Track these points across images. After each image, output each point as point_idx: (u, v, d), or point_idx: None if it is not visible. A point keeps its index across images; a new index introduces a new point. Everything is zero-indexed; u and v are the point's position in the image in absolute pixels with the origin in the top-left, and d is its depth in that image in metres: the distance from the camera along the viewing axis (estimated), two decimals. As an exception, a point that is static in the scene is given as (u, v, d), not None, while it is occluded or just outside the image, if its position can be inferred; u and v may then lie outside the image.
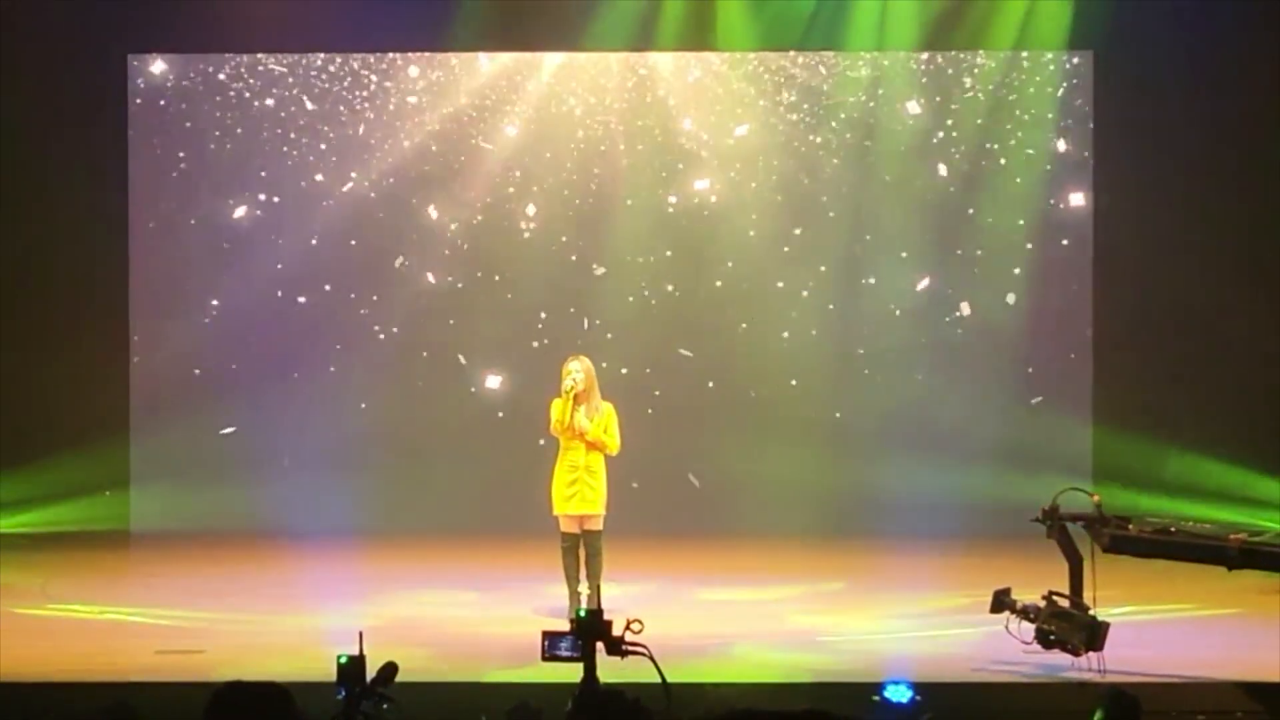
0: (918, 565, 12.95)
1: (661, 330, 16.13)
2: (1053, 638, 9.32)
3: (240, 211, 16.20)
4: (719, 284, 16.15)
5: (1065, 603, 9.39)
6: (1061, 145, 16.03)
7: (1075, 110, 16.00)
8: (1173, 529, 9.72)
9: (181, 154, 16.18)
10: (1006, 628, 9.42)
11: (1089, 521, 9.66)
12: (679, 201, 16.16)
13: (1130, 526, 9.64)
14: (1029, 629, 9.37)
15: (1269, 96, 15.35)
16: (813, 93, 16.10)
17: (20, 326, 15.69)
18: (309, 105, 16.21)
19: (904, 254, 16.05)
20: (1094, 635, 9.25)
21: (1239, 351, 15.34)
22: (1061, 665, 9.36)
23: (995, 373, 15.93)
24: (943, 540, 13.98)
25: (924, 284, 16.04)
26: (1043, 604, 9.40)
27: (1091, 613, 9.34)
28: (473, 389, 16.12)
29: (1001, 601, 9.50)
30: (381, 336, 16.20)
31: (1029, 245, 16.03)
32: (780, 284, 16.08)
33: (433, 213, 16.24)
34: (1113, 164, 15.76)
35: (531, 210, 16.22)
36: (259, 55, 16.13)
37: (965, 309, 16.02)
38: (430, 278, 16.25)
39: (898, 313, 16.05)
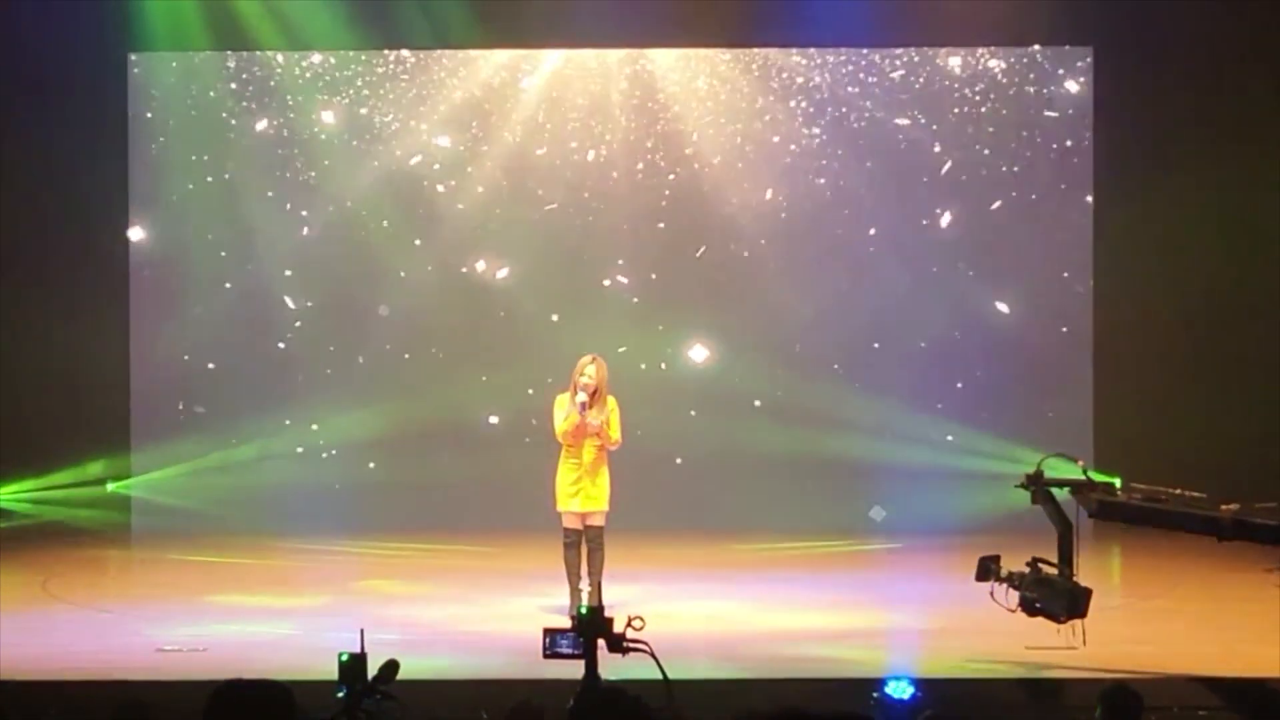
0: (915, 556, 12.94)
1: (661, 322, 16.18)
2: (1037, 605, 9.15)
3: (240, 209, 16.20)
4: (718, 277, 16.19)
5: (1051, 569, 9.21)
6: (1063, 138, 16.03)
7: (1075, 104, 16.00)
8: (1163, 496, 9.34)
9: (186, 152, 16.18)
10: (992, 595, 9.26)
11: (1075, 487, 9.41)
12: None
13: (1119, 493, 9.39)
14: (1015, 598, 9.19)
15: (1270, 88, 15.36)
16: (810, 88, 16.13)
17: (20, 322, 15.69)
18: (309, 101, 16.21)
19: (902, 250, 16.06)
20: (1075, 602, 9.07)
21: (1238, 346, 15.34)
22: (1061, 659, 9.31)
23: (997, 366, 15.94)
24: (941, 533, 13.97)
25: (921, 277, 16.05)
26: (1027, 570, 9.24)
27: (1075, 579, 9.15)
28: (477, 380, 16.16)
29: (988, 569, 9.32)
30: (383, 333, 16.20)
31: (1029, 237, 16.03)
32: (778, 278, 16.09)
33: (440, 209, 16.24)
34: (1113, 157, 15.77)
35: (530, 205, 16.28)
36: (258, 52, 16.14)
37: (960, 302, 16.05)
38: (432, 274, 16.25)
39: (897, 307, 16.05)
